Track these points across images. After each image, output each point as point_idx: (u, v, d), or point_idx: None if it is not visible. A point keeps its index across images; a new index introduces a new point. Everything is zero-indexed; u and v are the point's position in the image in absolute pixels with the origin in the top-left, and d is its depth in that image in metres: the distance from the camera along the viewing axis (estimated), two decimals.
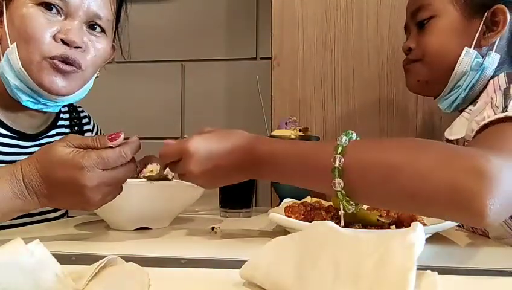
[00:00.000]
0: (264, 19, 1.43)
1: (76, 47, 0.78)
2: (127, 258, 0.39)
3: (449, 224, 0.58)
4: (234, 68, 1.51)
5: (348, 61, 1.19)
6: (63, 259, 0.36)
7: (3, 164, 0.77)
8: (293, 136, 0.94)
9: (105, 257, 0.36)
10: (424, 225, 0.58)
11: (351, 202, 0.50)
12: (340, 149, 0.50)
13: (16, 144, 0.83)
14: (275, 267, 0.35)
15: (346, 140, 0.50)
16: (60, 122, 0.94)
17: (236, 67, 1.51)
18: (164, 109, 1.53)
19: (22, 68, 0.75)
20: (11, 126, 0.82)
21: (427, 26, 0.82)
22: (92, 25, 0.81)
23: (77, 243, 0.60)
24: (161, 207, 0.71)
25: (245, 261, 0.38)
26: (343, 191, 0.49)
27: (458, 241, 0.61)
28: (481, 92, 0.80)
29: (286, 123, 1.00)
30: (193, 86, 1.54)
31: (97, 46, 0.82)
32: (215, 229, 0.67)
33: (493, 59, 0.78)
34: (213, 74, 1.52)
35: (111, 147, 0.56)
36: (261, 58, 1.49)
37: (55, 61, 0.76)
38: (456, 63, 0.79)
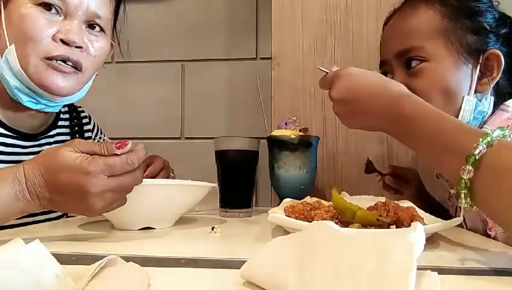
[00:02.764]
0: (264, 19, 1.43)
1: (77, 47, 0.77)
2: (127, 258, 0.39)
3: (449, 224, 0.58)
4: (234, 68, 1.51)
5: (348, 61, 1.19)
6: (63, 259, 0.36)
7: (3, 164, 0.78)
8: (293, 136, 0.95)
9: (105, 257, 0.36)
10: (424, 224, 0.58)
11: (469, 199, 0.46)
12: (488, 139, 0.45)
13: (16, 143, 0.83)
14: (275, 267, 0.35)
15: (499, 135, 0.45)
16: (60, 123, 0.94)
17: (236, 67, 1.51)
18: (164, 109, 1.53)
19: (21, 69, 0.75)
20: (11, 126, 0.82)
21: (419, 71, 0.76)
22: (91, 25, 0.81)
23: (77, 243, 0.60)
24: (165, 207, 0.72)
25: (245, 261, 0.38)
26: (468, 182, 0.45)
27: (458, 241, 0.61)
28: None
29: (286, 123, 1.00)
30: (193, 86, 1.54)
31: (97, 46, 0.82)
32: (215, 229, 0.67)
33: (489, 103, 0.76)
34: (213, 74, 1.52)
35: (117, 155, 0.56)
36: (261, 58, 1.49)
37: (53, 61, 0.76)
38: (453, 112, 0.74)
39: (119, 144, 0.56)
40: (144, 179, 0.71)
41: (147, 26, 1.50)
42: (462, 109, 0.74)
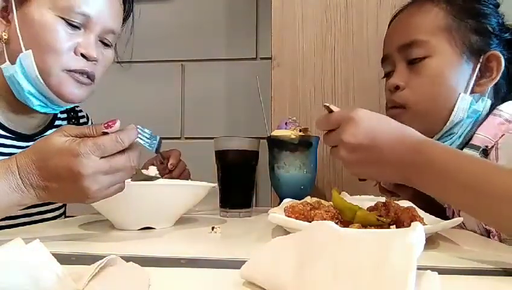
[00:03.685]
0: (264, 19, 1.43)
1: (93, 60, 0.79)
2: (127, 258, 0.39)
3: (449, 224, 0.58)
4: (234, 68, 1.51)
5: (348, 61, 1.19)
6: (63, 259, 0.35)
7: None
8: (293, 136, 0.95)
9: (105, 257, 0.36)
10: (424, 224, 0.58)
11: None
12: None
13: (12, 144, 0.83)
14: (275, 267, 0.35)
15: None
16: (58, 122, 0.94)
17: (236, 67, 1.51)
18: (164, 109, 1.53)
19: (39, 76, 0.76)
20: (9, 127, 0.83)
21: (421, 66, 0.77)
22: (103, 37, 0.83)
23: (77, 243, 0.60)
24: (165, 207, 0.72)
25: (245, 261, 0.38)
26: None
27: (458, 241, 0.61)
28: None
29: (286, 123, 1.00)
30: (193, 86, 1.54)
31: (106, 57, 0.84)
32: (215, 229, 0.67)
33: (485, 105, 0.76)
34: (213, 74, 1.52)
35: (107, 134, 0.55)
36: (261, 58, 1.49)
37: (73, 73, 0.78)
38: (448, 109, 0.75)
39: (107, 124, 0.55)
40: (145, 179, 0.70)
41: (147, 26, 1.50)
42: (457, 106, 0.75)
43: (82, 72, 0.79)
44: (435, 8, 0.79)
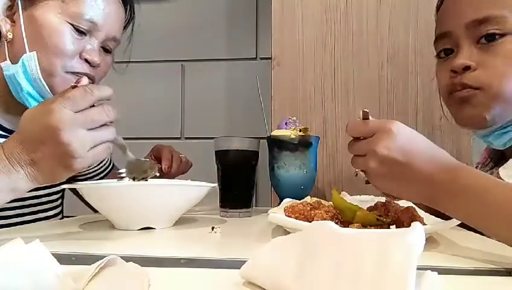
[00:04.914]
0: (264, 19, 1.43)
1: (96, 66, 0.81)
2: (127, 258, 0.39)
3: (449, 224, 0.58)
4: (234, 68, 1.51)
5: (348, 61, 1.19)
6: (63, 259, 0.35)
7: None
8: (293, 136, 0.95)
9: (105, 257, 0.36)
10: (424, 224, 0.58)
11: None
12: None
13: None
14: (275, 267, 0.35)
15: None
16: None
17: (236, 67, 1.51)
18: (164, 109, 1.53)
19: (41, 78, 0.76)
20: (7, 127, 0.83)
21: (495, 45, 0.67)
22: (105, 44, 0.84)
23: (77, 243, 0.60)
24: (165, 207, 0.72)
25: (245, 261, 0.38)
26: None
27: (458, 241, 0.61)
28: None
29: (286, 123, 1.00)
30: (193, 86, 1.54)
31: (107, 63, 0.86)
32: (215, 229, 0.67)
33: None
34: (213, 74, 1.52)
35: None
36: (261, 58, 1.49)
37: (75, 76, 0.79)
38: None
39: (76, 81, 0.59)
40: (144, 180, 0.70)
41: (147, 26, 1.50)
42: None
43: (83, 74, 0.80)
44: None
